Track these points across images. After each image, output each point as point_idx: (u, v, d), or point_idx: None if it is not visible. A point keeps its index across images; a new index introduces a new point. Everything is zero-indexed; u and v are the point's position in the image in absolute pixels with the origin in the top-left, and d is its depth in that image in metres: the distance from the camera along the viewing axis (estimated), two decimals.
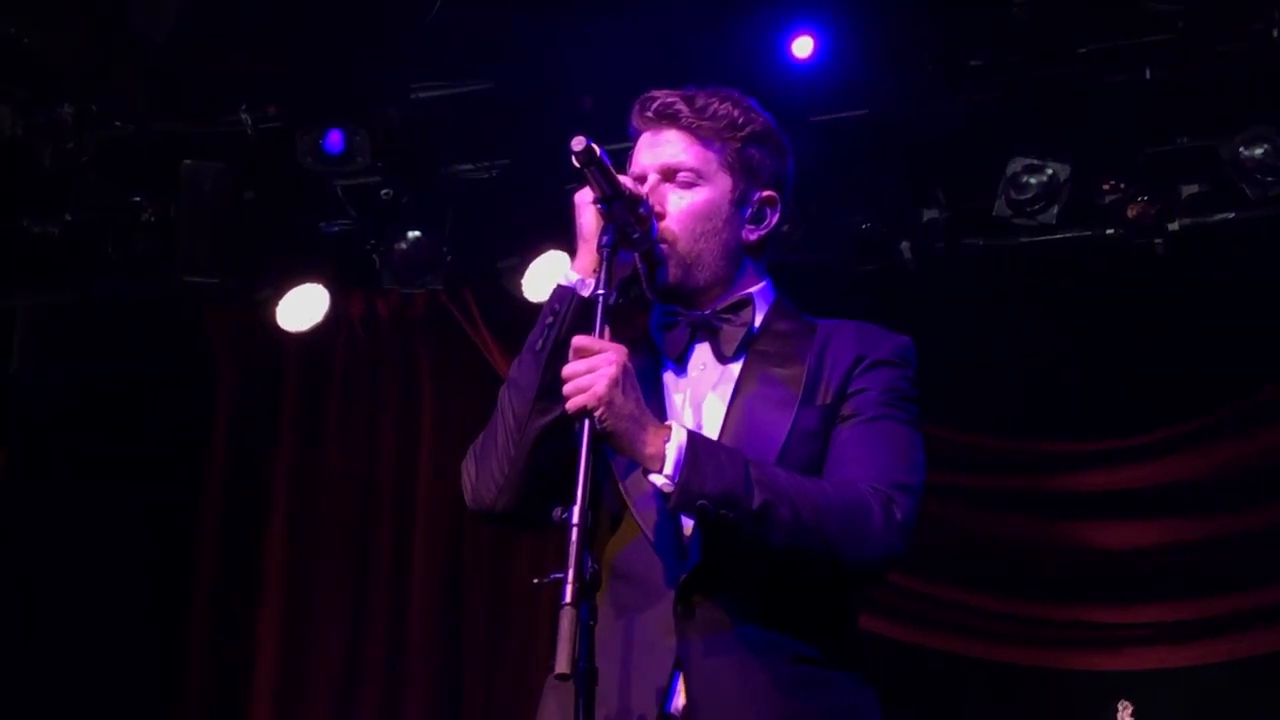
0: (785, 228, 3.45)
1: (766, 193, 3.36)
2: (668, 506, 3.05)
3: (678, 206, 3.29)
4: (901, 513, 3.13)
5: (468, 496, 3.28)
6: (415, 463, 7.94)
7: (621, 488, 3.19)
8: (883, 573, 3.24)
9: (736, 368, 3.29)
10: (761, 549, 3.04)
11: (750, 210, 3.35)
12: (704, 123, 3.31)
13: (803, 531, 3.03)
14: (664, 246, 3.27)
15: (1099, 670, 7.04)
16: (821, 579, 3.15)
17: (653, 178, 3.31)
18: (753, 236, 3.36)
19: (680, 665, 3.07)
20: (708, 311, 3.32)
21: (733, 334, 3.30)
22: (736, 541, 3.04)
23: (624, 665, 3.06)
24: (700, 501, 2.99)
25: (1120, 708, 5.94)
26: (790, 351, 3.30)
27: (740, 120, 3.33)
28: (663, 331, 3.35)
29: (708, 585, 3.10)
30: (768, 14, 6.52)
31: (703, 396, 3.28)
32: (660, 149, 3.33)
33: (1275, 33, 6.18)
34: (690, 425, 3.16)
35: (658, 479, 3.01)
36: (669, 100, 3.33)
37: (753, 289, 3.36)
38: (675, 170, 3.30)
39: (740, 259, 3.36)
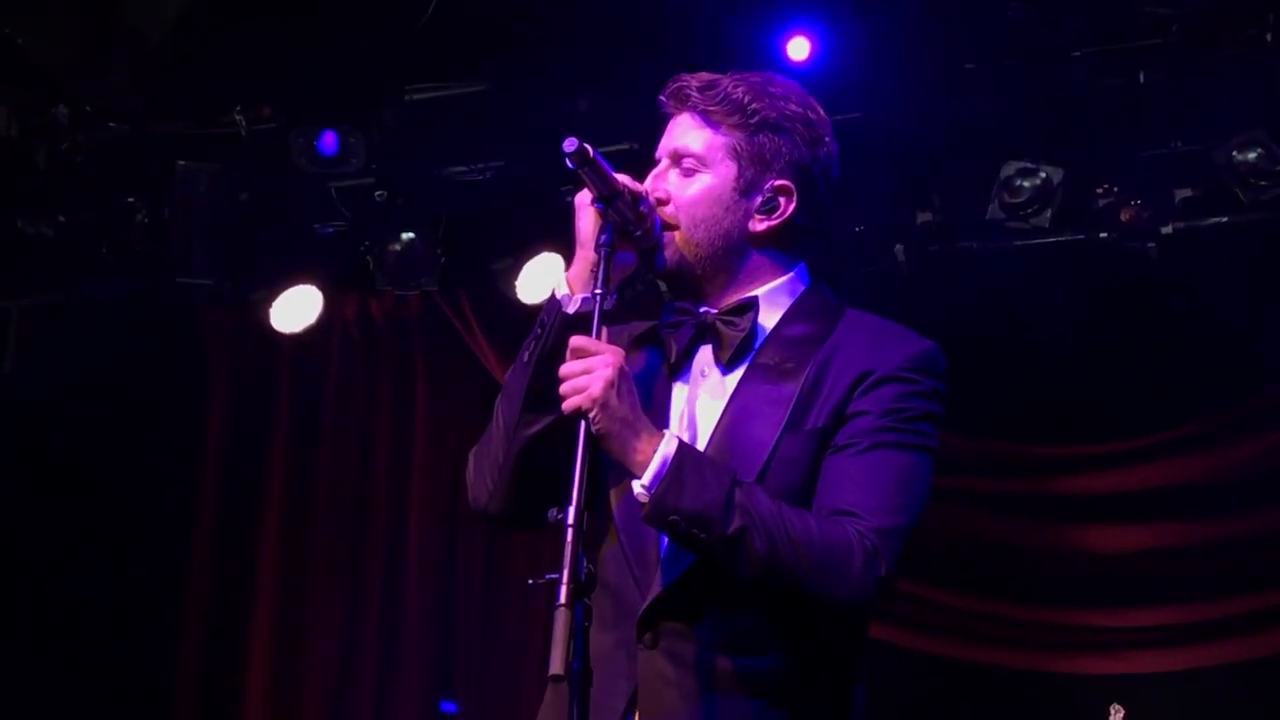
0: (807, 220, 3.27)
1: (780, 181, 3.23)
2: (640, 517, 2.98)
3: (680, 193, 3.22)
4: (885, 567, 2.99)
5: (468, 496, 3.28)
6: (409, 464, 7.94)
7: (611, 495, 3.13)
8: (852, 617, 3.12)
9: (735, 378, 3.19)
10: (730, 574, 2.96)
11: (760, 199, 3.23)
12: (713, 107, 3.23)
13: (776, 565, 2.93)
14: (666, 233, 3.21)
15: (1091, 674, 7.04)
16: (789, 612, 3.03)
17: (665, 161, 3.27)
18: (761, 226, 3.23)
19: (638, 693, 3.00)
20: (714, 311, 3.23)
21: (732, 339, 3.19)
22: (706, 563, 2.97)
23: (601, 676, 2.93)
24: (672, 517, 2.92)
25: (1112, 711, 5.92)
26: (790, 365, 3.16)
27: (751, 105, 3.22)
28: (669, 331, 3.25)
29: (674, 610, 3.02)
30: (763, 16, 6.52)
31: (698, 405, 3.20)
32: (674, 131, 3.27)
33: (1269, 37, 6.18)
34: (684, 432, 3.11)
35: (636, 487, 2.95)
36: (685, 83, 3.26)
37: (762, 288, 3.25)
38: (682, 155, 3.24)
39: (745, 249, 3.24)
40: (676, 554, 3.02)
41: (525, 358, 3.14)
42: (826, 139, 3.30)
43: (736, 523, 2.91)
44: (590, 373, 2.95)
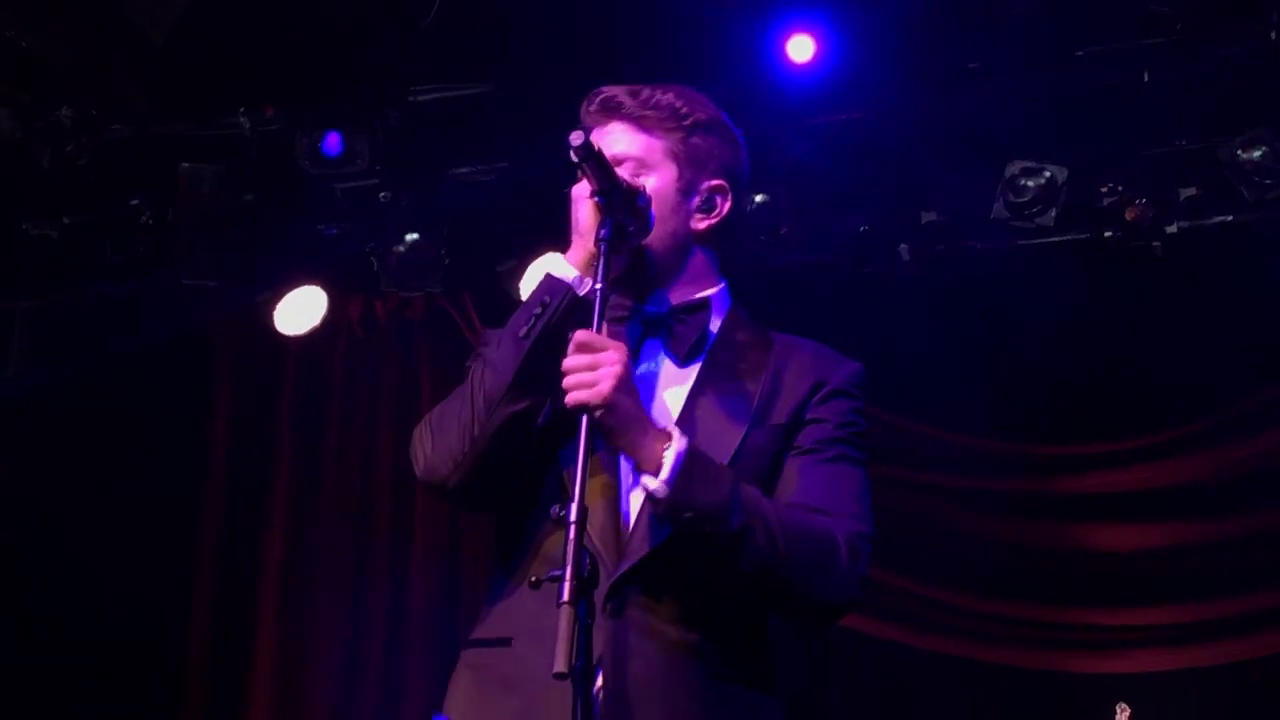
0: (735, 218, 3.44)
1: (715, 181, 3.37)
2: (655, 513, 3.04)
3: None
4: (865, 564, 3.15)
5: (419, 467, 3.26)
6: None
7: (565, 475, 3.14)
8: (837, 615, 3.24)
9: (691, 373, 3.29)
10: (731, 569, 3.04)
11: (699, 199, 3.35)
12: (646, 113, 3.33)
13: (774, 559, 3.03)
14: None
15: (1097, 673, 7.03)
16: (779, 607, 3.18)
17: None
18: (702, 225, 3.36)
19: (602, 663, 3.03)
20: (664, 309, 3.33)
21: (687, 336, 3.30)
22: (710, 556, 3.04)
23: (550, 654, 2.85)
24: (687, 514, 2.99)
25: (1118, 710, 5.92)
26: (747, 365, 3.30)
27: (683, 110, 3.35)
28: (614, 324, 3.31)
29: (640, 586, 3.09)
30: (766, 17, 6.52)
31: (653, 397, 3.27)
32: (605, 140, 3.33)
33: (1273, 35, 6.18)
34: None
35: (651, 483, 3.00)
36: (612, 93, 3.36)
37: (709, 291, 3.37)
38: (620, 161, 3.30)
39: (690, 247, 3.36)
40: (645, 531, 3.09)
41: (522, 333, 3.15)
42: (742, 142, 3.45)
43: (740, 519, 3.00)
44: (597, 369, 2.99)
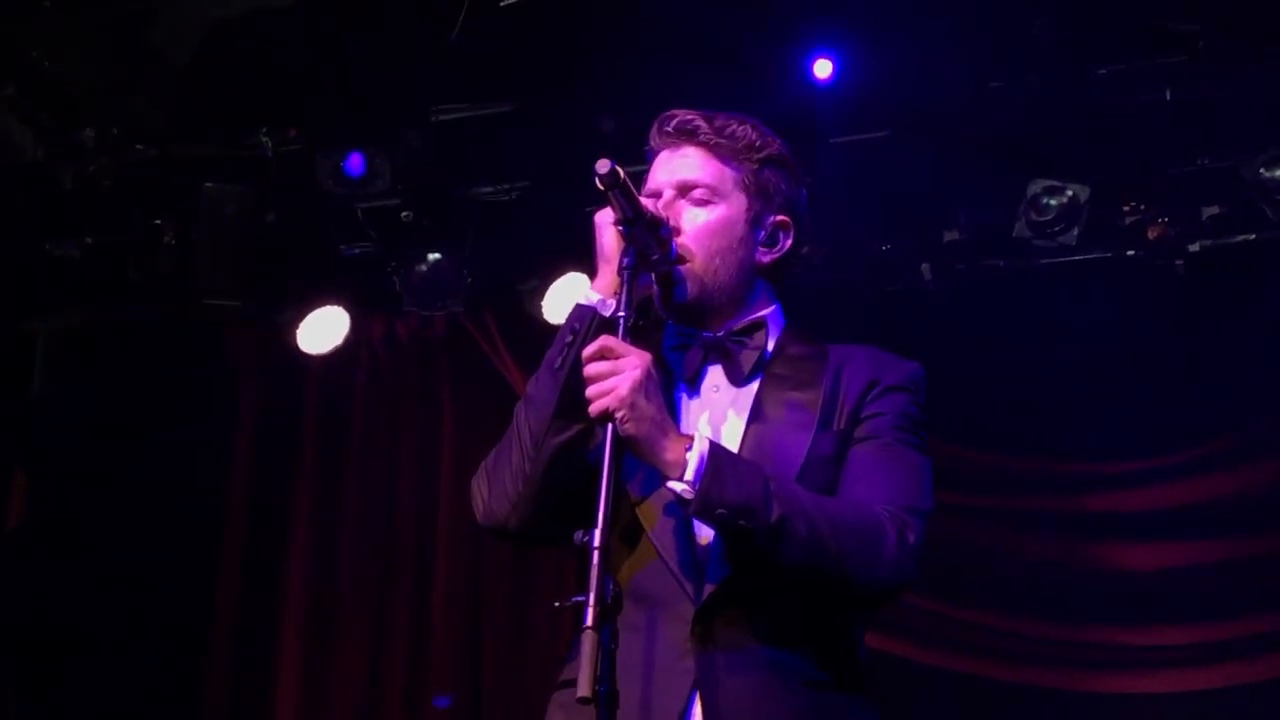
0: (803, 251, 3.45)
1: (780, 217, 3.39)
2: (686, 513, 3.05)
3: (693, 223, 3.30)
4: (914, 536, 3.14)
5: (479, 512, 3.27)
6: (436, 484, 7.94)
7: (637, 511, 3.18)
8: (894, 594, 3.22)
9: (751, 390, 3.30)
10: (776, 563, 3.04)
11: (764, 233, 3.38)
12: (722, 141, 3.34)
13: (819, 548, 3.04)
14: (682, 266, 3.28)
15: (1125, 693, 7.01)
16: (834, 598, 3.15)
17: (668, 193, 3.33)
18: (766, 259, 3.38)
19: (698, 686, 3.05)
20: (721, 333, 3.34)
21: (747, 357, 3.32)
22: (752, 554, 3.04)
23: (641, 687, 3.05)
24: (719, 510, 2.99)
25: None
26: (805, 376, 3.31)
27: (758, 142, 3.36)
28: (675, 353, 3.36)
29: (725, 607, 3.10)
30: (788, 37, 6.52)
31: (718, 417, 3.29)
32: (677, 164, 3.35)
33: None
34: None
35: (677, 485, 3.01)
36: (689, 118, 3.36)
37: (764, 311, 3.39)
38: (692, 186, 3.32)
39: (753, 280, 3.38)
40: (722, 554, 3.10)
41: (558, 363, 3.17)
42: (804, 179, 3.47)
43: (778, 510, 3.01)
44: (618, 373, 3.01)
